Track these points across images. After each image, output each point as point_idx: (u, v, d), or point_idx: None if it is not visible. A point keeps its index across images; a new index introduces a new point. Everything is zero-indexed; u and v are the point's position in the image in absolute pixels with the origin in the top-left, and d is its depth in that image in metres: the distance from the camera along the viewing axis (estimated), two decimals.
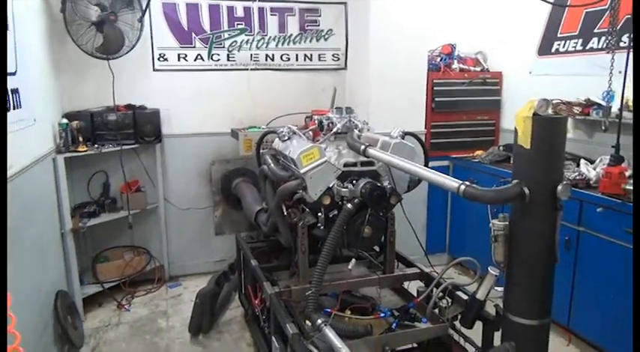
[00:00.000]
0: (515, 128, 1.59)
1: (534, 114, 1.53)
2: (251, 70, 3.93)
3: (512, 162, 1.71)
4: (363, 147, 2.10)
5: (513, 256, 1.65)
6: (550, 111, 1.56)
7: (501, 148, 3.80)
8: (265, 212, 2.81)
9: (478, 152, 3.93)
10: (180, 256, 4.01)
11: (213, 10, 3.80)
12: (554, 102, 1.45)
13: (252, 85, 3.94)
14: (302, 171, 2.17)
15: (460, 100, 4.06)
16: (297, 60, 4.03)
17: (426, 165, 2.46)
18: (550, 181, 1.53)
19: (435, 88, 3.96)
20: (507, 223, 1.67)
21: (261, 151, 2.82)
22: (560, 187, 1.52)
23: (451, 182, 1.62)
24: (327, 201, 2.21)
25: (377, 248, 2.61)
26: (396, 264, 2.54)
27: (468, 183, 1.57)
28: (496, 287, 1.88)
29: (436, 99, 3.98)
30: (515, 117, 1.59)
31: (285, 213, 2.36)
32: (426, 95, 3.93)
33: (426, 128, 3.98)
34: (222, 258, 3.97)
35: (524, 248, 1.61)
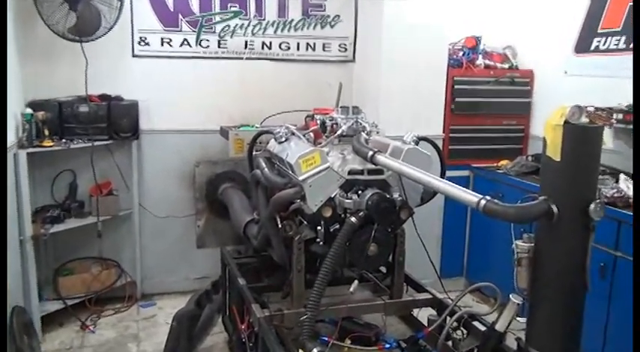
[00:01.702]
0: (544, 137, 1.63)
1: (566, 122, 1.57)
2: (245, 59, 3.98)
3: (540, 175, 1.75)
4: (371, 153, 2.14)
5: (538, 282, 1.69)
6: (584, 119, 1.61)
7: (530, 158, 3.84)
8: (256, 223, 2.83)
9: (503, 162, 3.96)
10: (155, 271, 4.03)
11: None
12: (589, 109, 1.49)
13: (245, 77, 3.99)
14: (300, 178, 2.21)
15: (484, 102, 4.10)
16: (298, 49, 4.08)
17: (442, 175, 2.50)
18: (582, 198, 1.57)
19: (455, 87, 4.00)
20: (533, 245, 1.71)
21: (253, 153, 2.85)
22: (592, 205, 1.56)
23: (470, 196, 1.66)
24: (327, 213, 2.24)
25: (383, 269, 2.63)
26: (405, 288, 2.56)
27: (489, 197, 1.61)
28: (518, 318, 1.92)
29: (457, 99, 4.02)
30: (544, 125, 1.64)
31: (280, 226, 2.39)
32: (445, 95, 3.97)
33: (444, 132, 4.02)
34: (205, 274, 3.99)
35: (551, 273, 1.65)
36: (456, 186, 1.73)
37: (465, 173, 4.09)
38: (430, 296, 2.52)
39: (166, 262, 4.03)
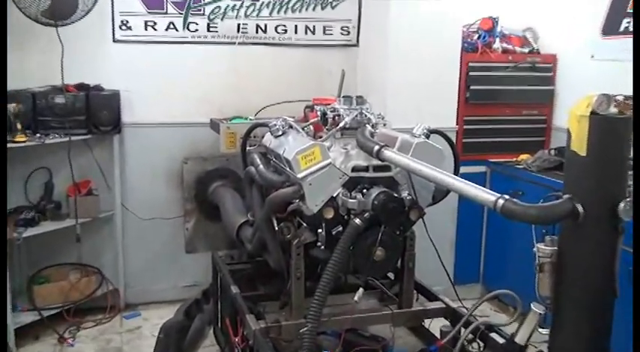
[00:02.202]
0: (568, 129, 1.63)
1: (592, 112, 1.57)
2: (238, 44, 3.98)
3: (564, 171, 1.75)
4: (377, 147, 2.14)
5: (562, 290, 1.69)
6: (612, 108, 1.61)
7: (553, 152, 3.84)
8: (251, 225, 2.83)
9: (524, 156, 3.96)
10: (140, 279, 4.04)
11: None
12: (618, 98, 1.48)
13: (238, 64, 3.99)
14: (299, 175, 2.21)
15: (502, 90, 4.09)
16: (296, 32, 4.08)
17: (456, 171, 2.50)
18: (610, 197, 1.57)
19: (470, 74, 4.00)
20: (556, 248, 1.71)
21: (247, 149, 2.85)
22: (622, 205, 1.56)
23: (487, 195, 1.65)
24: (329, 214, 2.24)
25: (391, 275, 2.64)
26: (415, 297, 2.57)
27: (507, 196, 1.61)
28: (540, 329, 1.92)
29: (471, 87, 4.02)
30: (568, 116, 1.64)
31: (277, 228, 2.39)
32: (459, 82, 3.97)
33: (457, 124, 4.02)
34: (195, 282, 4.01)
35: (576, 279, 1.65)
36: (471, 183, 1.73)
37: (481, 169, 4.09)
38: (443, 306, 2.53)
39: (152, 268, 4.04)
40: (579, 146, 1.58)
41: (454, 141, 2.60)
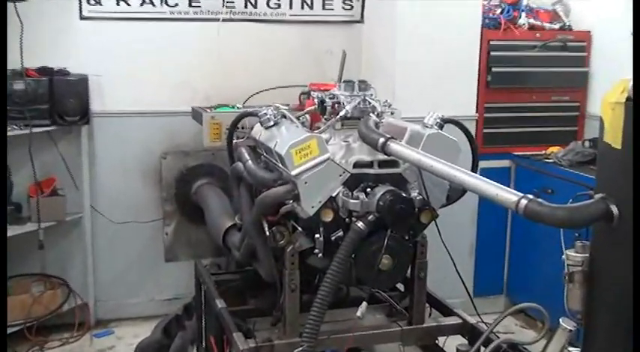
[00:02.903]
0: (601, 118, 1.62)
1: (628, 99, 1.56)
2: (223, 20, 3.98)
3: (596, 166, 1.75)
4: (382, 139, 2.13)
5: (595, 303, 1.69)
6: None
7: (588, 143, 3.85)
8: (239, 230, 2.84)
9: (554, 148, 3.97)
10: (112, 291, 4.05)
11: None
12: None
13: (224, 44, 3.99)
14: (293, 172, 2.21)
15: (528, 72, 4.11)
16: (290, 7, 4.09)
17: (474, 167, 2.50)
18: None
19: (491, 54, 4.02)
20: (587, 255, 1.71)
21: (234, 142, 2.84)
22: None
23: (507, 194, 1.65)
24: (328, 217, 2.24)
25: (400, 286, 2.64)
26: (428, 311, 2.57)
27: (531, 196, 1.61)
28: (570, 348, 1.92)
29: (493, 69, 4.02)
30: (601, 103, 1.63)
31: (268, 233, 2.39)
32: (479, 64, 3.98)
33: (477, 112, 4.03)
34: (175, 295, 4.03)
35: (611, 291, 1.65)
36: (489, 181, 1.72)
37: (504, 163, 4.11)
38: (460, 321, 2.53)
39: (126, 280, 4.06)
40: (613, 137, 1.57)
41: (472, 132, 2.59)
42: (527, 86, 4.12)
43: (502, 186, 1.69)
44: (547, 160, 3.91)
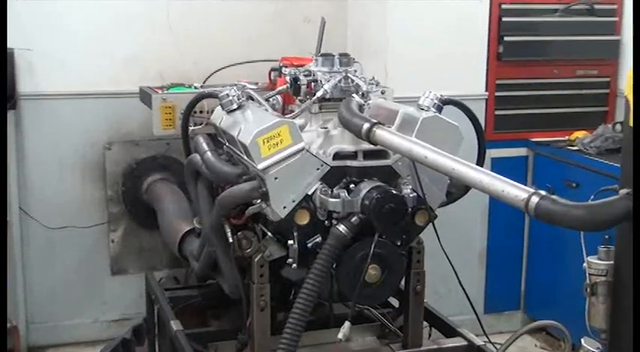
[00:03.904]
0: (626, 97, 1.64)
1: None
2: None
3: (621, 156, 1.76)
4: (367, 125, 2.13)
5: (620, 319, 1.70)
6: None
7: (619, 127, 3.84)
8: (198, 236, 2.84)
9: (579, 134, 3.98)
10: (48, 311, 4.03)
11: None
12: None
13: (179, 11, 3.97)
14: (260, 166, 2.21)
15: (548, 41, 4.11)
16: None
17: (480, 157, 2.51)
18: None
19: (503, 20, 4.01)
20: (612, 263, 1.72)
21: (191, 129, 2.84)
22: None
23: (515, 190, 1.66)
24: (303, 219, 2.25)
25: (395, 301, 2.66)
26: (427, 331, 2.59)
27: (544, 192, 1.62)
28: None
29: (505, 38, 4.02)
30: (626, 80, 1.64)
31: (231, 240, 2.39)
32: (489, 32, 3.98)
33: (486, 91, 4.03)
34: (123, 315, 4.01)
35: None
36: (493, 174, 1.73)
37: (520, 152, 4.11)
38: (464, 343, 2.54)
39: (64, 297, 4.03)
40: None
41: (480, 115, 2.59)
42: (546, 58, 4.12)
43: (509, 180, 1.69)
44: (571, 148, 3.91)
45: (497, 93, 4.07)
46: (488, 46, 4.01)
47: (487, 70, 4.03)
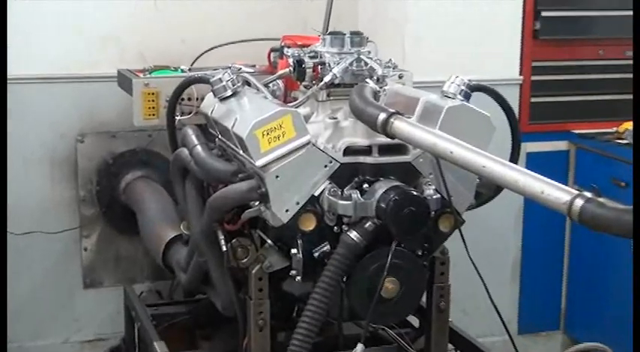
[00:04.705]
0: None
1: None
2: None
3: None
4: (384, 116, 2.13)
5: None
6: None
7: None
8: (185, 243, 2.85)
9: (629, 124, 3.97)
10: (11, 330, 4.04)
11: None
12: None
13: None
14: (259, 162, 2.22)
15: (593, 17, 4.12)
16: None
17: (514, 152, 2.51)
18: None
19: None
20: None
21: (178, 119, 2.86)
22: None
23: (557, 192, 1.66)
24: (309, 224, 2.26)
25: (415, 320, 2.66)
26: None
27: (589, 194, 1.62)
28: None
29: (543, 13, 4.03)
30: None
31: (225, 248, 2.40)
32: (523, 7, 3.98)
33: (521, 75, 4.04)
34: (97, 335, 4.03)
35: None
36: (530, 172, 1.73)
37: (560, 146, 4.12)
38: None
39: (31, 314, 4.05)
40: None
41: (513, 103, 2.59)
42: (591, 37, 4.14)
43: (549, 180, 1.69)
44: (620, 141, 3.90)
45: (533, 78, 4.08)
46: (523, 22, 4.01)
47: (521, 50, 4.03)
